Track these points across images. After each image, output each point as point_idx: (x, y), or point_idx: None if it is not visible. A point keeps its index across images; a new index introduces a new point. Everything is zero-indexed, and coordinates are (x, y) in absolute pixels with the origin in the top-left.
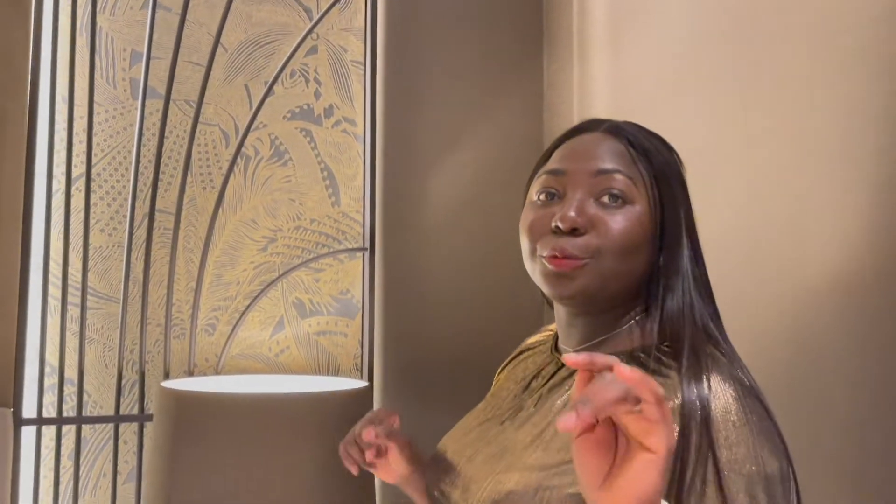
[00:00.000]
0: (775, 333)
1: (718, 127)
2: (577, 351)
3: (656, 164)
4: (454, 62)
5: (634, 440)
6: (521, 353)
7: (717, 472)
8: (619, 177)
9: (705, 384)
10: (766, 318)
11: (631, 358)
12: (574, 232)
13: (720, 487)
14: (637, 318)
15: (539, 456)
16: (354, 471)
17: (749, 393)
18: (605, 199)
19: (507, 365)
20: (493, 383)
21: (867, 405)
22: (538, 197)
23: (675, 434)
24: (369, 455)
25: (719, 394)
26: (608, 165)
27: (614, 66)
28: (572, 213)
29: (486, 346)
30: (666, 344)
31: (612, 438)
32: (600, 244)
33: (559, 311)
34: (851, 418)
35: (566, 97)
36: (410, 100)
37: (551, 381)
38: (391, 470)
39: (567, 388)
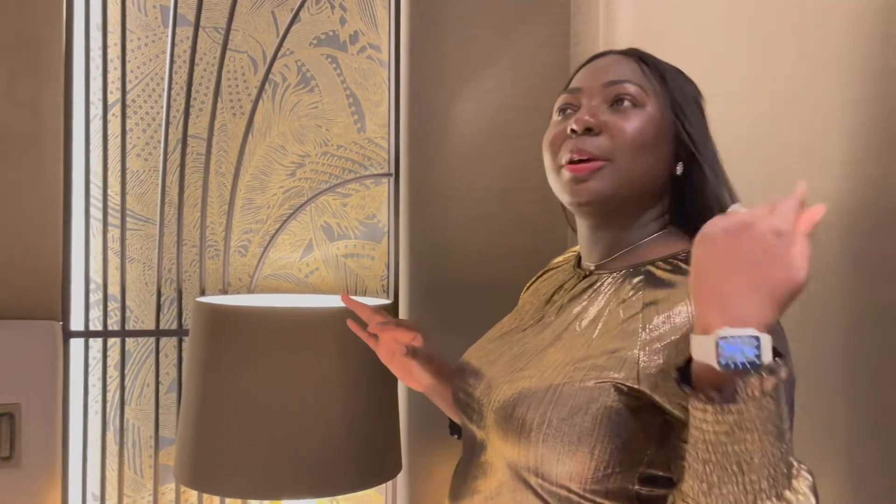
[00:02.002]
0: None
1: (740, 52)
2: (598, 266)
3: (669, 80)
4: None
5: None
6: (546, 271)
7: None
8: (628, 85)
9: None
10: None
11: (654, 267)
12: (589, 132)
13: None
14: (656, 232)
15: (556, 356)
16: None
17: None
18: (617, 104)
19: (532, 283)
20: (520, 300)
21: (868, 328)
22: (557, 115)
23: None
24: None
25: None
26: (619, 77)
27: None
28: (586, 116)
29: (508, 270)
30: (684, 253)
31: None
32: (614, 144)
33: (581, 227)
34: (853, 340)
35: (592, 22)
36: (435, 26)
37: (572, 292)
38: (417, 379)
39: (585, 298)
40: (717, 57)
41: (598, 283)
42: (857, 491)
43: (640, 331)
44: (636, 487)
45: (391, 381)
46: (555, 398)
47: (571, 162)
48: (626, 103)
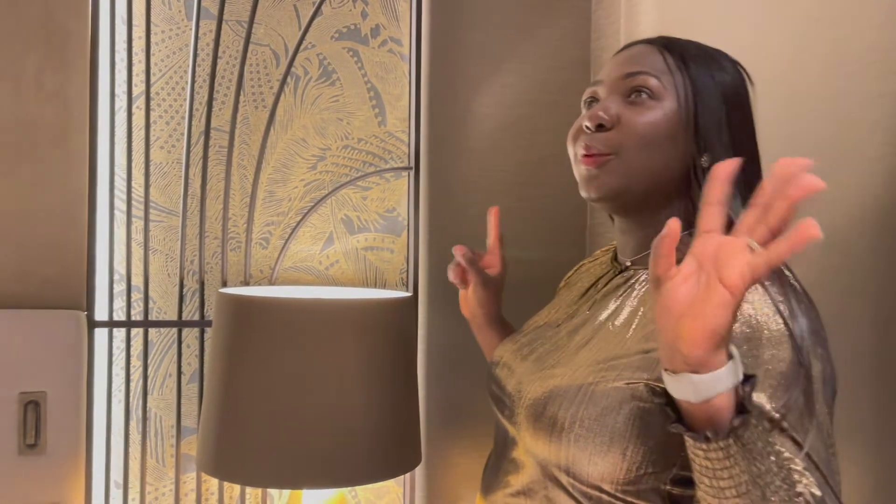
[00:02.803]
0: (809, 254)
1: (765, 45)
2: (633, 261)
3: (694, 70)
4: None
5: (717, 271)
6: (584, 264)
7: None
8: (645, 77)
9: (763, 287)
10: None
11: None
12: (601, 128)
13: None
14: (690, 227)
15: (588, 354)
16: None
17: (801, 298)
18: (633, 97)
19: (570, 276)
20: (557, 294)
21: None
22: (583, 107)
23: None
24: (458, 270)
25: (766, 297)
26: (636, 68)
27: None
28: (598, 112)
29: (527, 264)
30: None
31: (694, 280)
32: (623, 138)
33: (616, 220)
34: (884, 339)
35: (614, 16)
36: (457, 20)
37: (606, 288)
38: (468, 301)
39: (619, 295)
40: (742, 51)
41: (633, 280)
42: (881, 490)
43: None
44: (668, 488)
45: (411, 373)
46: (587, 397)
47: (583, 156)
48: (643, 95)
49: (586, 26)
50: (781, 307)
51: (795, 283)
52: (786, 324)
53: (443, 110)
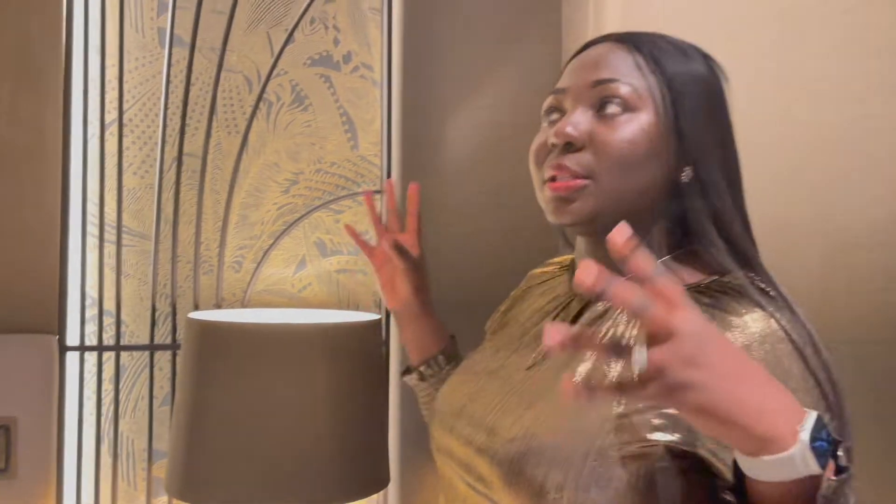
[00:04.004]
0: (805, 274)
1: (742, 57)
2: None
3: (670, 70)
4: (471, 7)
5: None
6: (529, 287)
7: None
8: (617, 85)
9: (775, 320)
10: (798, 260)
11: (693, 292)
12: (570, 147)
13: None
14: (675, 248)
15: (586, 409)
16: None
17: (800, 330)
18: (605, 109)
19: (510, 307)
20: (498, 320)
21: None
22: (544, 120)
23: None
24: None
25: (768, 334)
26: (606, 75)
27: (628, 11)
28: (567, 128)
29: (500, 286)
30: (714, 281)
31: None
32: (598, 160)
33: (578, 241)
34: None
35: (582, 41)
36: (428, 45)
37: (581, 320)
38: (397, 289)
39: (604, 330)
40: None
41: (617, 312)
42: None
43: None
44: None
45: (380, 393)
46: (588, 460)
47: (553, 179)
48: (615, 108)
49: (557, 50)
50: (805, 351)
51: (797, 321)
52: (808, 369)
53: (414, 134)
